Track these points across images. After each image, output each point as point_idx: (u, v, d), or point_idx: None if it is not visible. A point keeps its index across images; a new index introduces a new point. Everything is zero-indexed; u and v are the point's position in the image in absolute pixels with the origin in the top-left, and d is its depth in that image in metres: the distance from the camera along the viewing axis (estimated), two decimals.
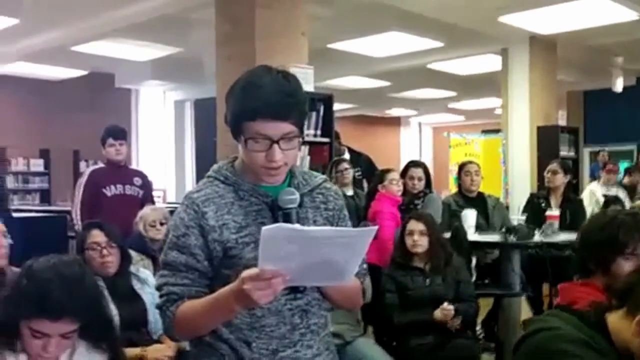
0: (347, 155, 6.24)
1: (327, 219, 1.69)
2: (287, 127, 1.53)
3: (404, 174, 4.75)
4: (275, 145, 1.53)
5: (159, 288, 1.61)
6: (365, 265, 1.76)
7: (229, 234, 1.57)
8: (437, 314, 3.53)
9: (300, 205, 1.61)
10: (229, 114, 1.59)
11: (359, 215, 4.74)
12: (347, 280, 1.52)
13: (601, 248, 1.96)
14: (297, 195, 1.59)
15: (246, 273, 1.38)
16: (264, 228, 1.33)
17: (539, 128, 7.93)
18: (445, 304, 3.54)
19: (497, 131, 8.72)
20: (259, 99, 1.51)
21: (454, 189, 7.19)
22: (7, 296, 1.85)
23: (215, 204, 1.59)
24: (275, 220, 1.56)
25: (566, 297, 2.02)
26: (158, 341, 3.15)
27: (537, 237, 4.35)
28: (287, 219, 1.55)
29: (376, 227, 1.45)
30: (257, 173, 1.59)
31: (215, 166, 1.70)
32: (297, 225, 1.44)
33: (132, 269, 3.26)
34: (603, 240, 1.95)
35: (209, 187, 1.63)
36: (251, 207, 1.60)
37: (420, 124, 18.84)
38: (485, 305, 4.68)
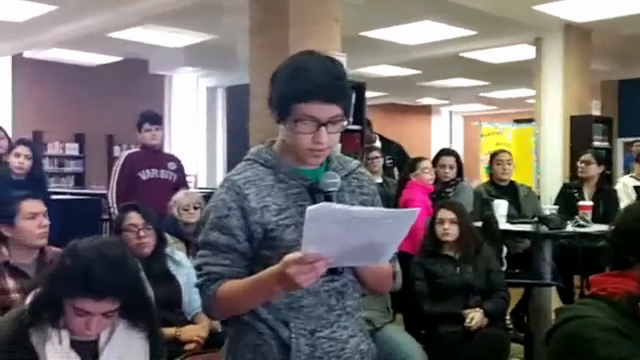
0: (378, 144, 6.25)
1: (362, 204, 1.71)
2: (335, 110, 1.56)
3: (435, 162, 4.76)
4: (323, 128, 1.56)
5: (198, 268, 1.64)
6: (396, 249, 1.80)
7: (270, 216, 1.59)
8: (468, 323, 3.50)
9: (339, 189, 1.64)
10: (274, 96, 1.61)
11: (389, 203, 4.75)
12: (384, 261, 1.55)
13: None
14: (338, 179, 1.61)
15: (290, 257, 1.40)
16: (309, 208, 1.35)
17: (572, 118, 7.80)
18: (473, 317, 3.50)
19: (529, 121, 8.61)
20: (309, 82, 1.53)
21: (485, 178, 7.16)
22: (51, 274, 1.91)
23: (256, 186, 1.62)
24: (315, 203, 1.57)
25: (598, 289, 2.00)
26: (192, 322, 3.23)
27: (570, 228, 4.32)
28: (328, 202, 1.57)
29: (419, 209, 1.48)
30: (300, 155, 1.62)
31: (254, 149, 1.72)
32: (340, 205, 1.47)
33: (168, 250, 3.33)
34: None
35: (249, 170, 1.66)
36: (291, 190, 1.63)
37: (451, 113, 18.70)
38: (515, 295, 4.66)
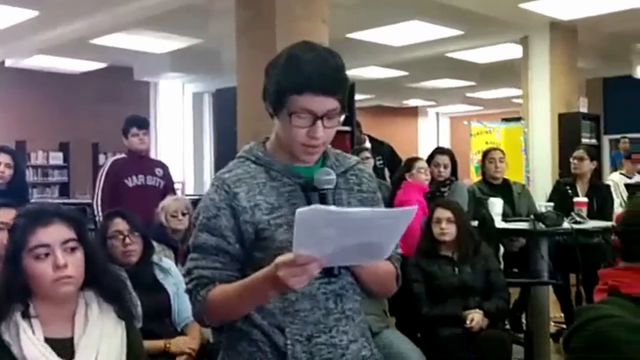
0: (368, 144, 6.18)
1: (360, 201, 1.64)
2: (332, 103, 1.49)
3: (429, 161, 4.68)
4: (319, 122, 1.49)
5: (188, 272, 1.57)
6: (399, 251, 1.71)
7: (261, 215, 1.52)
8: (468, 324, 3.41)
9: (335, 186, 1.56)
10: (270, 87, 1.54)
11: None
12: (383, 258, 1.48)
13: None
14: (334, 176, 1.54)
15: (280, 259, 1.33)
16: (298, 210, 1.28)
17: (560, 115, 7.83)
18: (473, 318, 3.41)
19: (517, 119, 8.61)
20: (308, 72, 1.47)
21: (475, 177, 7.11)
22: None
23: (247, 184, 1.55)
24: (309, 201, 1.52)
25: (608, 282, 1.96)
26: (182, 333, 3.12)
27: (566, 224, 4.26)
28: (323, 200, 1.50)
29: (416, 207, 1.40)
30: (293, 151, 1.55)
31: (246, 146, 1.65)
32: (333, 207, 1.39)
33: (155, 258, 3.21)
34: None
35: (240, 167, 1.59)
36: (284, 187, 1.56)
37: (437, 114, 18.73)
38: (511, 295, 4.60)
